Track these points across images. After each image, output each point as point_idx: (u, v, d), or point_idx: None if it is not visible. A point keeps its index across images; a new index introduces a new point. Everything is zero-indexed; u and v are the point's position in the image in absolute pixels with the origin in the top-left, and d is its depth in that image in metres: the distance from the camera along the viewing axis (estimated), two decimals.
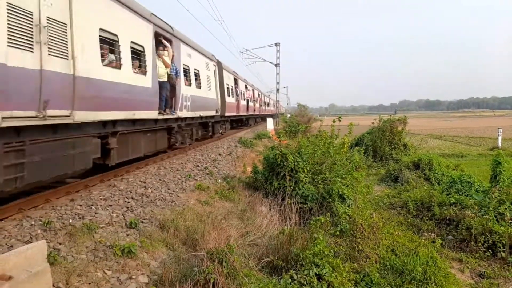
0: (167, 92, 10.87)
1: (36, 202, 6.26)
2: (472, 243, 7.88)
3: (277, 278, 5.24)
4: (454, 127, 52.68)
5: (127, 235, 5.64)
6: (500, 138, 25.65)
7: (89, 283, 4.28)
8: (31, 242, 4.37)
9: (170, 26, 11.47)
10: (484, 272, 7.10)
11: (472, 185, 10.68)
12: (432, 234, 8.30)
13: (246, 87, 31.51)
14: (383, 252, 6.62)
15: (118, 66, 7.94)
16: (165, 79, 10.72)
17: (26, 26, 5.14)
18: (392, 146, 18.69)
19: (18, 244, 4.51)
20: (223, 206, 8.39)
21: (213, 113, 17.06)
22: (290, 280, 4.99)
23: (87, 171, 7.42)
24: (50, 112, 5.59)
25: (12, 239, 4.69)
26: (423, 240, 7.29)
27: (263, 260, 5.73)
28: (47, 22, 5.56)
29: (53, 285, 3.86)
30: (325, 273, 5.15)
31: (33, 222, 5.23)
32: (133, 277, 4.70)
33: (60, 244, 4.82)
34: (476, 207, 8.61)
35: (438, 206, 9.37)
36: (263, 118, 43.81)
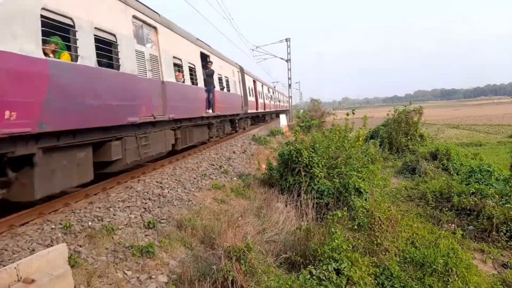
0: None
1: (56, 206, 6.37)
2: (494, 232, 7.73)
3: (295, 274, 5.22)
4: (472, 116, 51.72)
5: (146, 235, 5.70)
6: None
7: (110, 284, 4.35)
8: (52, 246, 4.46)
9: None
10: (508, 262, 6.96)
11: (492, 174, 10.47)
12: (453, 225, 8.18)
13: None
14: (402, 245, 6.54)
15: None
16: None
17: None
18: (408, 138, 18.42)
19: (40, 248, 4.61)
20: (239, 203, 8.41)
21: None
22: (309, 275, 4.98)
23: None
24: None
25: (34, 243, 4.79)
26: (443, 232, 7.17)
27: (281, 257, 5.73)
28: None
29: (75, 287, 3.92)
30: (344, 267, 5.12)
31: (53, 226, 5.33)
32: (153, 276, 4.76)
33: (80, 246, 4.91)
34: (497, 196, 8.44)
35: (457, 196, 9.21)
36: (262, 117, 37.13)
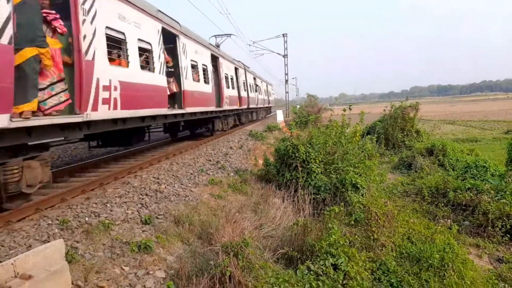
0: None
1: (53, 201, 6.35)
2: (489, 228, 7.78)
3: (293, 269, 5.24)
4: (467, 112, 51.95)
5: (143, 231, 5.69)
6: None
7: (108, 280, 4.34)
8: (49, 242, 4.44)
9: None
10: (503, 256, 7.02)
11: (488, 169, 10.54)
12: (448, 220, 8.22)
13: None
14: (399, 240, 6.58)
15: None
16: None
17: None
18: (405, 133, 18.49)
19: (36, 243, 4.59)
20: (236, 199, 8.40)
21: None
22: (306, 270, 5.00)
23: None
24: None
25: (31, 239, 4.77)
26: (439, 227, 7.22)
27: (278, 252, 5.74)
28: None
29: (72, 283, 3.92)
30: (341, 263, 5.15)
31: (50, 222, 5.30)
32: (150, 272, 4.75)
33: (77, 242, 4.89)
34: (493, 192, 8.50)
35: (453, 192, 9.25)
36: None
